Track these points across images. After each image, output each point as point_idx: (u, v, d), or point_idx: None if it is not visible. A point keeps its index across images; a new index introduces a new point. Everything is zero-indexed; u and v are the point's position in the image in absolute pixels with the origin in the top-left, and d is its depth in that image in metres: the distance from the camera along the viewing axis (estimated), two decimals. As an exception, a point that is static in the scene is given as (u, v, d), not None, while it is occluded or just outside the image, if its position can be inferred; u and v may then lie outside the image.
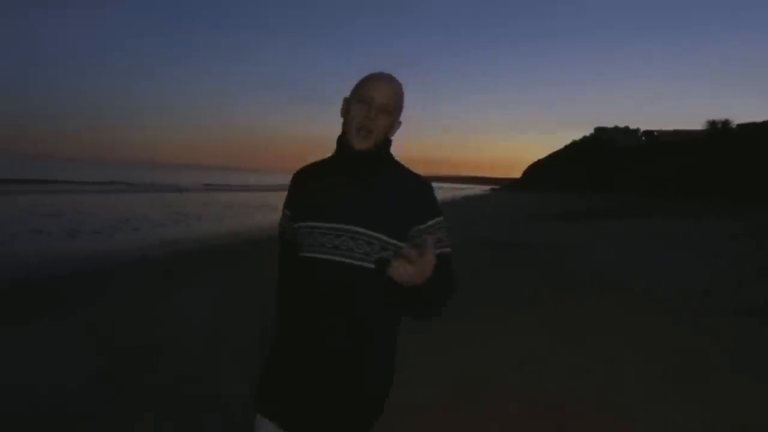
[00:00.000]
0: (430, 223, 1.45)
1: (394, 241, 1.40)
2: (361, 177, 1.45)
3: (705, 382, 3.99)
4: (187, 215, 19.30)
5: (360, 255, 1.40)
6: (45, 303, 5.86)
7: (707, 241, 13.87)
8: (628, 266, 9.79)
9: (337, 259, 1.41)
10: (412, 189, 1.46)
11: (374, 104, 1.42)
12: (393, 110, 1.46)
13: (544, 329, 5.28)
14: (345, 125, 1.48)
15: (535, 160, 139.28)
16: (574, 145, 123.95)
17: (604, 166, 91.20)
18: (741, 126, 69.80)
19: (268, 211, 23.56)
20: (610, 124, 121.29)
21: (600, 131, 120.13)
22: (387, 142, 1.50)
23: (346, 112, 1.48)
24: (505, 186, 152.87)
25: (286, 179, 1.72)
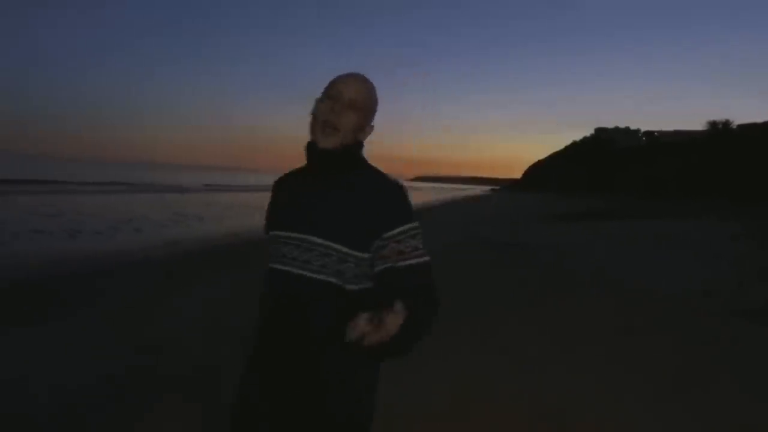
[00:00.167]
0: (400, 229, 1.28)
1: (355, 253, 1.28)
2: (326, 181, 1.35)
3: (705, 384, 3.98)
4: (188, 216, 19.32)
5: (316, 267, 1.29)
6: (45, 303, 5.86)
7: (708, 242, 13.86)
8: (629, 266, 9.78)
9: (295, 271, 1.32)
10: (379, 192, 1.32)
11: (341, 99, 1.33)
12: (362, 108, 1.35)
13: (544, 330, 5.28)
14: (311, 124, 1.37)
15: (536, 160, 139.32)
16: (575, 145, 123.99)
17: (605, 167, 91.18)
18: (741, 126, 69.78)
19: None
20: (610, 125, 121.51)
21: (600, 131, 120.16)
22: (357, 145, 1.39)
23: (313, 112, 1.38)
24: (505, 186, 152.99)
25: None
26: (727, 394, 3.77)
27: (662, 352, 4.69)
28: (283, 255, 1.35)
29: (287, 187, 1.48)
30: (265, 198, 1.54)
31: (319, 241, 1.28)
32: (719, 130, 68.72)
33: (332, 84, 1.37)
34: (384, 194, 1.32)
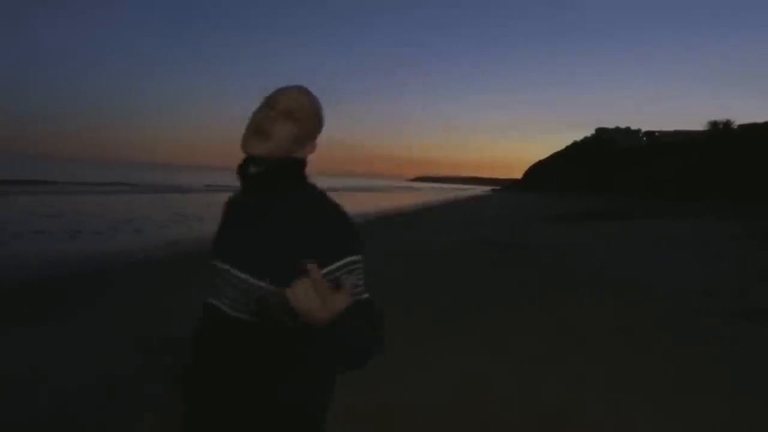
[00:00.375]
0: (336, 264, 1.10)
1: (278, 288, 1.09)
2: (259, 204, 1.20)
3: (705, 384, 3.97)
4: (188, 216, 19.32)
5: (228, 302, 1.18)
6: (45, 303, 5.86)
7: (708, 242, 13.85)
8: (629, 266, 9.78)
9: (215, 302, 1.21)
10: (316, 221, 1.13)
11: (277, 107, 1.21)
12: (300, 119, 1.21)
13: (544, 330, 5.28)
14: (243, 134, 1.23)
15: (536, 160, 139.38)
16: (575, 145, 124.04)
17: (605, 167, 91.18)
18: (742, 126, 69.78)
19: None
20: (610, 125, 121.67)
21: (601, 132, 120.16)
22: (296, 161, 1.24)
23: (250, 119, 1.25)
24: (506, 186, 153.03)
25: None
26: (728, 395, 3.76)
27: (662, 352, 4.69)
28: (213, 285, 1.22)
29: (230, 209, 1.33)
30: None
31: (244, 276, 1.13)
32: (720, 130, 68.70)
33: (272, 94, 1.25)
34: (323, 224, 1.13)
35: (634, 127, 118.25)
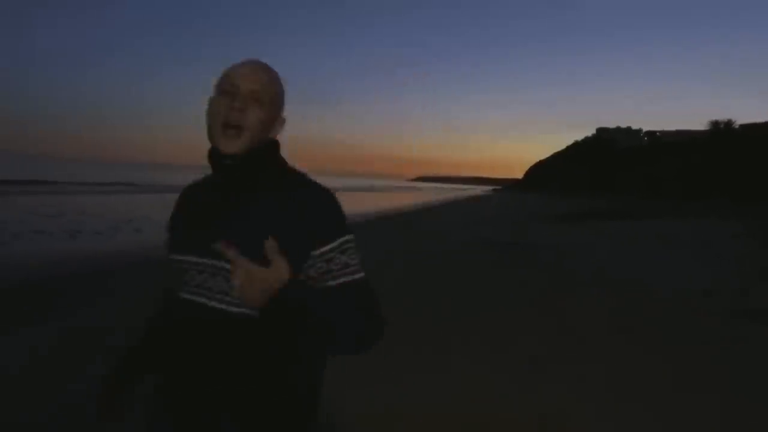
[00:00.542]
0: (330, 246, 1.08)
1: None
2: (241, 193, 1.13)
3: (705, 385, 3.96)
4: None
5: (219, 297, 1.08)
6: (45, 304, 5.85)
7: (709, 242, 13.84)
8: (629, 266, 9.77)
9: (210, 303, 1.09)
10: (306, 204, 1.10)
11: (240, 93, 1.11)
12: (267, 100, 1.13)
13: (544, 331, 5.27)
14: (208, 127, 1.14)
15: (536, 160, 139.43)
16: (576, 145, 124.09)
17: (606, 167, 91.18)
18: (744, 126, 69.75)
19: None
20: (611, 125, 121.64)
21: (602, 131, 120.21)
22: (271, 144, 1.18)
23: (208, 112, 1.15)
24: (506, 186, 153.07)
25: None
26: (728, 395, 3.75)
27: (662, 352, 4.68)
28: (193, 284, 1.12)
29: (193, 201, 1.24)
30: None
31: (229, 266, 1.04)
32: (721, 130, 68.67)
33: (225, 76, 1.14)
34: (311, 205, 1.10)
35: (634, 126, 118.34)
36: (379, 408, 3.32)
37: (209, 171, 1.23)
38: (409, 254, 10.34)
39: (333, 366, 1.27)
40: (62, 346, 4.47)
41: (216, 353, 1.09)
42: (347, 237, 1.11)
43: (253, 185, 1.13)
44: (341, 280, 1.07)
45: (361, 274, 1.11)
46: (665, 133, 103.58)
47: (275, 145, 1.19)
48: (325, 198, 1.12)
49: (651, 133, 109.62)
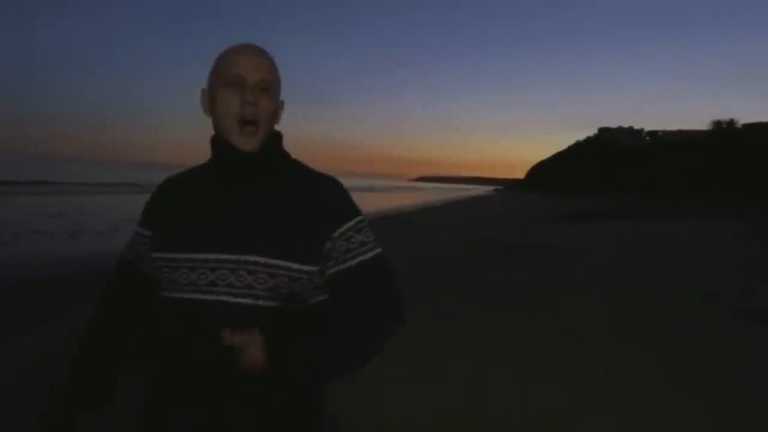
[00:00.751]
0: (346, 226, 1.09)
1: (307, 267, 1.06)
2: (251, 186, 1.11)
3: (705, 386, 3.94)
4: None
5: (262, 292, 1.03)
6: (45, 304, 5.86)
7: (710, 242, 13.81)
8: (631, 267, 9.75)
9: (233, 300, 1.03)
10: (319, 192, 1.12)
11: (248, 84, 1.07)
12: (273, 86, 1.11)
13: (545, 332, 5.24)
14: (217, 122, 1.10)
15: (537, 160, 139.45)
16: (578, 145, 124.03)
17: (608, 167, 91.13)
18: (746, 126, 69.63)
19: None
20: (612, 124, 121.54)
21: (603, 131, 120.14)
22: (277, 136, 1.17)
23: (212, 106, 1.11)
24: (508, 186, 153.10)
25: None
26: (727, 396, 3.73)
27: (663, 353, 4.65)
28: (206, 282, 1.05)
29: (185, 194, 1.17)
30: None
31: (263, 260, 1.02)
32: (724, 130, 68.58)
33: (225, 65, 1.10)
34: (324, 193, 1.12)
35: (636, 126, 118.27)
36: (376, 410, 3.31)
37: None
38: (409, 254, 10.30)
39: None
40: (62, 346, 4.45)
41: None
42: (360, 217, 1.13)
43: (263, 177, 1.12)
44: (361, 258, 1.09)
45: (378, 251, 1.13)
46: (667, 133, 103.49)
47: (279, 138, 1.17)
48: (333, 183, 1.15)
49: (653, 133, 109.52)
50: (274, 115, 1.13)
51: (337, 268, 1.08)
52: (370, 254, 1.11)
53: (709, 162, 61.85)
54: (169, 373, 1.09)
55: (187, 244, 1.07)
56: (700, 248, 12.43)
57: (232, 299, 1.03)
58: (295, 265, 1.04)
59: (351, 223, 1.10)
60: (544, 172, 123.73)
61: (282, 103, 1.17)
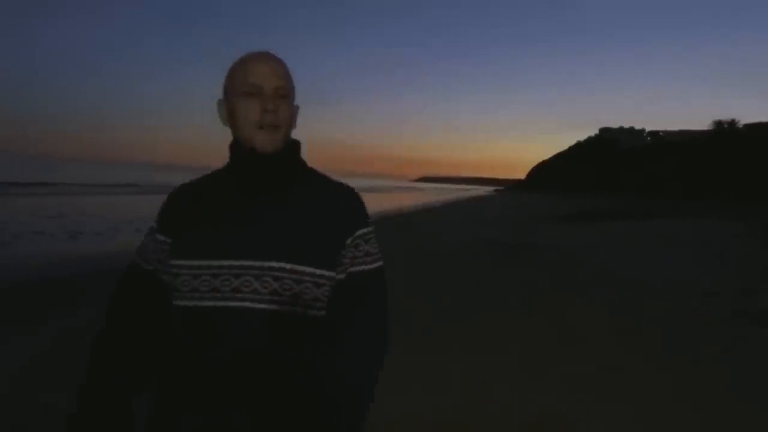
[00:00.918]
0: (357, 234, 1.13)
1: (329, 273, 1.09)
2: (272, 192, 1.12)
3: (705, 388, 3.92)
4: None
5: (288, 299, 1.05)
6: (45, 304, 5.86)
7: (711, 242, 13.79)
8: (632, 267, 9.73)
9: (257, 306, 1.04)
10: (338, 200, 1.15)
11: (266, 93, 1.09)
12: (289, 93, 1.14)
13: (545, 332, 5.23)
14: (238, 131, 1.12)
15: (537, 160, 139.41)
16: (579, 145, 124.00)
17: (609, 167, 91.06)
18: (748, 126, 69.53)
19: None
20: (612, 124, 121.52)
21: (604, 131, 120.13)
22: (294, 144, 1.19)
23: (230, 117, 1.13)
24: (509, 187, 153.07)
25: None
26: (727, 398, 3.72)
27: (663, 354, 4.63)
28: (230, 289, 1.04)
29: (204, 201, 1.15)
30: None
31: (289, 266, 1.04)
32: (725, 130, 68.49)
33: (242, 75, 1.11)
34: (341, 200, 1.16)
35: (636, 126, 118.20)
36: (377, 409, 3.29)
37: (204, 172, 1.23)
38: (409, 254, 10.29)
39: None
40: (62, 346, 4.45)
41: (264, 353, 1.04)
42: (370, 228, 1.18)
43: (283, 183, 1.13)
44: (364, 267, 1.14)
45: (380, 263, 1.18)
46: (668, 133, 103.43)
47: (297, 145, 1.20)
48: (351, 193, 1.19)
49: (654, 133, 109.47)
50: (292, 120, 1.15)
51: (341, 275, 1.12)
52: (374, 265, 1.16)
53: (710, 162, 61.80)
54: (181, 378, 1.08)
55: (209, 251, 1.07)
56: (701, 248, 12.41)
57: (257, 305, 1.03)
58: (318, 271, 1.07)
59: (361, 232, 1.14)
60: (545, 172, 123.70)
61: (297, 107, 1.19)
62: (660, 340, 5.03)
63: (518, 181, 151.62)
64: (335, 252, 1.10)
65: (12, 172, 47.35)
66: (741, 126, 69.36)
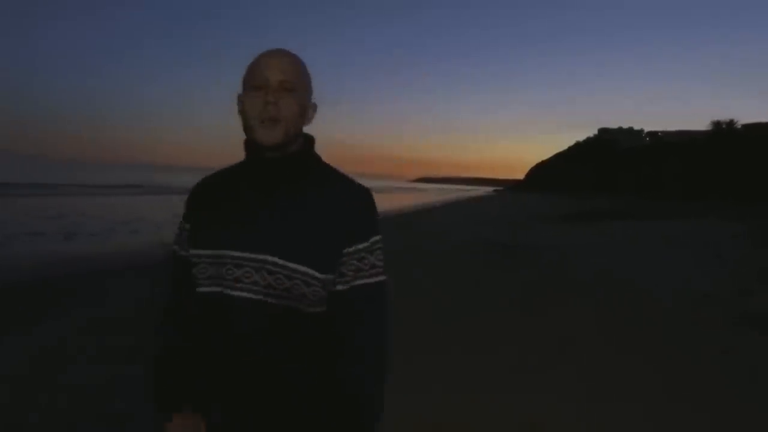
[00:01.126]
0: (364, 245, 1.13)
1: (322, 276, 1.09)
2: (279, 187, 1.14)
3: (701, 391, 3.88)
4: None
5: (279, 292, 1.09)
6: (40, 304, 5.84)
7: (709, 242, 13.79)
8: (630, 268, 9.71)
9: (246, 296, 1.10)
10: (346, 202, 1.14)
11: (271, 86, 1.11)
12: (297, 88, 1.13)
13: (544, 334, 5.20)
14: (244, 123, 1.14)
15: (537, 161, 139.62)
16: (578, 146, 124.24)
17: (609, 167, 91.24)
18: (746, 126, 69.65)
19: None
20: (612, 125, 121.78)
21: (603, 132, 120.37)
22: (308, 139, 1.21)
23: (241, 108, 1.16)
24: (508, 187, 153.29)
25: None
26: (723, 400, 3.68)
27: (656, 362, 4.50)
28: (231, 278, 1.11)
29: (218, 194, 1.21)
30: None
31: (282, 262, 1.08)
32: (723, 130, 68.60)
33: (252, 70, 1.14)
34: (350, 203, 1.14)
35: (636, 127, 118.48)
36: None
37: (205, 173, 1.27)
38: (408, 254, 10.26)
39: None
40: (57, 347, 4.44)
41: (257, 342, 1.10)
42: (378, 237, 1.16)
43: (292, 179, 1.15)
44: (366, 280, 1.13)
45: (382, 278, 1.16)
46: (667, 134, 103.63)
47: (311, 141, 1.21)
48: (363, 195, 1.16)
49: (653, 134, 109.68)
50: (299, 114, 1.14)
51: (343, 286, 1.12)
52: (376, 279, 1.14)
53: (709, 162, 61.89)
54: (191, 359, 1.20)
55: (215, 242, 1.14)
56: (700, 249, 12.40)
57: (254, 296, 1.09)
58: (310, 270, 1.08)
59: (367, 244, 1.13)
60: (545, 172, 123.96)
61: (314, 105, 1.20)
62: (659, 342, 5.01)
63: (517, 182, 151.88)
64: (331, 255, 1.10)
65: (11, 173, 47.37)
66: (739, 126, 69.46)
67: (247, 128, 1.14)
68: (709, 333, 5.34)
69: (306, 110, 1.17)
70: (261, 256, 1.08)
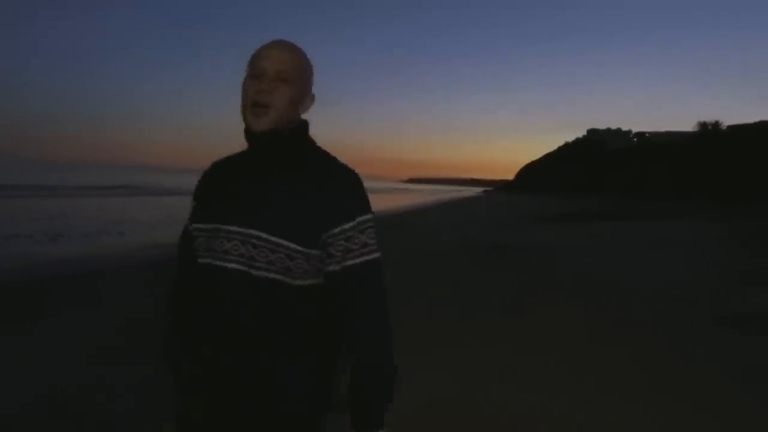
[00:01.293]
0: (351, 224, 1.17)
1: (305, 250, 1.15)
2: (269, 168, 1.21)
3: (693, 390, 3.93)
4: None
5: (262, 264, 1.16)
6: (33, 305, 5.82)
7: (695, 243, 13.96)
8: (616, 269, 9.82)
9: (233, 266, 1.18)
10: (330, 182, 1.18)
11: (267, 74, 1.17)
12: (294, 78, 1.20)
13: (525, 338, 5.14)
14: (241, 109, 1.22)
15: (528, 162, 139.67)
16: (567, 146, 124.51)
17: (597, 168, 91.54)
18: (731, 127, 70.15)
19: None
20: (602, 126, 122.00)
21: (592, 133, 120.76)
22: (300, 123, 1.25)
23: (241, 96, 1.23)
24: (497, 188, 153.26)
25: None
26: (713, 401, 3.74)
27: (642, 362, 4.51)
28: (221, 251, 1.20)
29: (221, 175, 1.31)
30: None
31: (265, 236, 1.15)
32: (709, 131, 69.05)
33: (253, 59, 1.21)
34: (335, 183, 1.18)
35: (626, 128, 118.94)
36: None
37: (210, 169, 1.36)
38: (397, 255, 10.32)
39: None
40: (50, 347, 4.43)
41: (243, 314, 1.19)
42: (366, 216, 1.19)
43: (281, 162, 1.21)
44: (360, 259, 1.17)
45: (376, 255, 1.20)
46: (655, 134, 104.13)
47: (304, 125, 1.27)
48: (348, 177, 1.21)
49: (640, 134, 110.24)
50: (293, 103, 1.20)
51: (336, 266, 1.17)
52: (367, 257, 1.18)
53: (695, 163, 62.27)
54: (188, 328, 1.32)
55: (209, 216, 1.25)
56: (686, 250, 12.56)
57: (240, 267, 1.17)
58: (292, 245, 1.14)
59: (353, 223, 1.17)
60: (534, 172, 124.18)
61: (312, 96, 1.27)
62: (645, 342, 5.05)
63: (507, 182, 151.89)
64: (315, 233, 1.15)
65: (9, 175, 46.77)
66: (725, 127, 69.91)
67: (243, 115, 1.21)
68: (696, 333, 5.40)
69: (302, 100, 1.23)
70: (248, 231, 1.16)
